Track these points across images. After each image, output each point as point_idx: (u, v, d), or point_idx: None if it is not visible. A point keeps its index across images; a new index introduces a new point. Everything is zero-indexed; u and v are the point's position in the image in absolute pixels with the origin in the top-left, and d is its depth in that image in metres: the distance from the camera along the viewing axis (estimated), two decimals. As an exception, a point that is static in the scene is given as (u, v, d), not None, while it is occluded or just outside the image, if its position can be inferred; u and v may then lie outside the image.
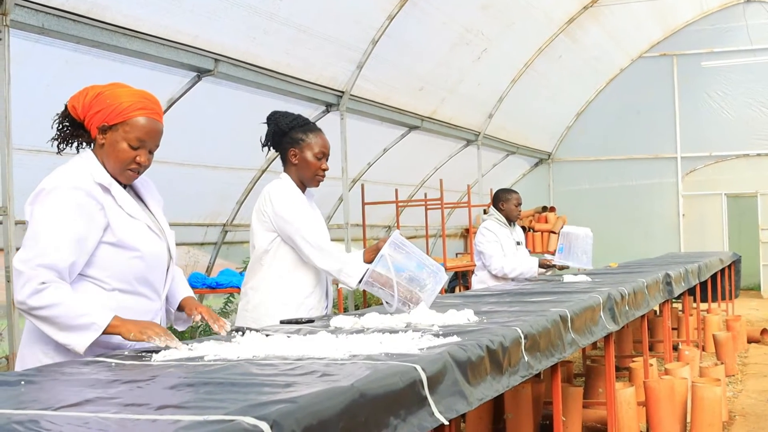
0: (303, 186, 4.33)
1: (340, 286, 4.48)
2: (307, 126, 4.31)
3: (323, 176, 4.33)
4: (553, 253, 7.22)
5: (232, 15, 8.09)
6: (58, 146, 3.14)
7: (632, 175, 18.66)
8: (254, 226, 4.27)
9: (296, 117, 4.33)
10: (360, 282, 3.98)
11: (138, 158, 3.05)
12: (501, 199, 7.42)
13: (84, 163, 3.05)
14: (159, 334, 2.82)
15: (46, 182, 3.00)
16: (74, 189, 2.95)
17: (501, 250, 7.22)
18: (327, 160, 4.32)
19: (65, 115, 3.11)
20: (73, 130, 3.11)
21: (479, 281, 7.36)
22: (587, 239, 6.70)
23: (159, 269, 3.16)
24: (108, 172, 3.07)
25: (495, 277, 7.24)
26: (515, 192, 7.51)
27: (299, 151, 4.25)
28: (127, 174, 3.08)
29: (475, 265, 7.66)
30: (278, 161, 4.47)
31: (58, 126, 3.12)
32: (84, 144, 3.15)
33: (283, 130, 4.26)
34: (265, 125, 4.34)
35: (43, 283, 2.84)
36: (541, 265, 7.23)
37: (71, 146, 3.15)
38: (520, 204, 7.47)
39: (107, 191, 3.03)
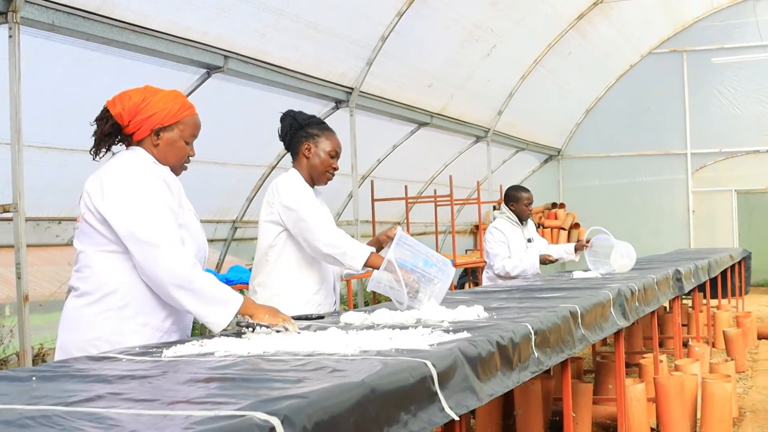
0: (312, 182, 4.33)
1: (345, 273, 4.44)
2: (323, 125, 4.38)
3: (333, 175, 4.36)
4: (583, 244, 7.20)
5: (242, 11, 8.10)
6: (97, 151, 3.26)
7: (642, 172, 18.61)
8: (261, 220, 4.28)
9: (313, 116, 4.41)
10: (364, 265, 4.04)
11: (190, 152, 3.34)
12: (511, 199, 7.37)
13: (139, 157, 3.22)
14: (287, 321, 3.06)
15: (119, 168, 3.15)
16: (152, 174, 3.16)
17: (507, 251, 7.22)
18: (338, 160, 4.36)
19: (108, 119, 3.23)
20: (114, 135, 3.25)
21: (489, 278, 7.35)
22: (622, 259, 6.76)
23: (202, 261, 3.32)
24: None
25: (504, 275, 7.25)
26: (526, 191, 7.43)
27: (313, 145, 4.28)
28: (183, 168, 3.36)
29: (485, 262, 7.65)
30: (288, 158, 4.48)
31: (103, 130, 3.23)
32: (119, 145, 3.30)
33: (300, 123, 4.30)
34: (279, 121, 4.36)
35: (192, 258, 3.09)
36: (542, 261, 7.24)
37: (106, 150, 3.28)
38: (530, 203, 7.43)
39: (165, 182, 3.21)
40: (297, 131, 4.31)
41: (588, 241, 7.01)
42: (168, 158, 3.27)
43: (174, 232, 3.09)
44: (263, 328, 3.08)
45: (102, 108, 3.26)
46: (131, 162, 3.17)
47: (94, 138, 3.24)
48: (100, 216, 3.08)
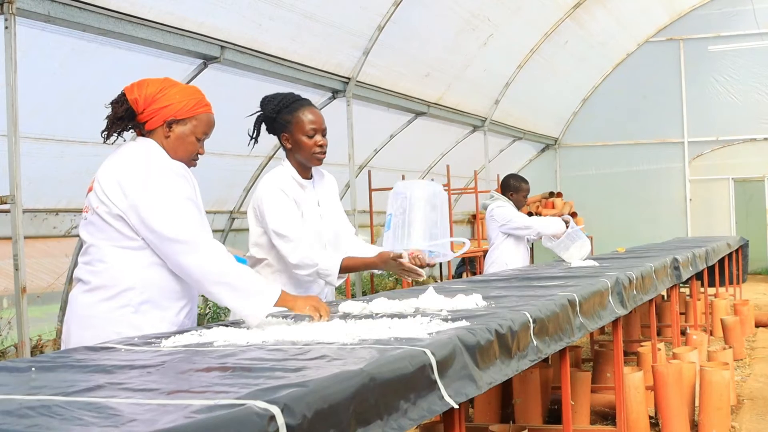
0: (306, 170, 4.15)
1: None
2: (292, 105, 4.05)
3: (322, 153, 4.06)
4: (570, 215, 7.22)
5: (238, 1, 8.09)
6: (108, 134, 3.24)
7: (639, 160, 18.64)
8: (249, 220, 4.22)
9: (282, 98, 4.06)
10: (340, 272, 3.96)
11: (200, 149, 3.33)
12: (511, 189, 7.37)
13: (153, 150, 3.20)
14: (327, 314, 3.06)
15: (135, 163, 3.13)
16: (169, 169, 3.15)
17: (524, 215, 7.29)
18: (323, 135, 4.05)
19: (123, 103, 3.23)
20: (127, 120, 3.24)
21: (496, 259, 7.31)
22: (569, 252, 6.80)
23: None
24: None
25: (514, 249, 7.26)
26: (526, 182, 7.44)
27: (290, 134, 4.03)
28: (192, 164, 3.32)
29: (483, 251, 7.64)
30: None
31: (117, 113, 3.22)
32: (128, 132, 3.30)
33: (270, 116, 4.06)
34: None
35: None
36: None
37: (117, 136, 3.27)
38: (528, 194, 7.48)
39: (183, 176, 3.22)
40: (272, 125, 4.08)
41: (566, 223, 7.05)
42: (177, 152, 3.24)
43: (201, 226, 3.10)
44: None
45: (119, 93, 3.25)
46: (147, 156, 3.14)
47: (106, 120, 3.23)
48: (118, 213, 3.07)
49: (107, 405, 1.74)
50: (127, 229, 3.08)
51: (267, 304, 3.02)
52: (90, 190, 3.18)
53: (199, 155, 3.34)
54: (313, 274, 3.98)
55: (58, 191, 8.13)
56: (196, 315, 3.36)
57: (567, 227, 6.91)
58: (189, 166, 3.31)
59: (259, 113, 4.12)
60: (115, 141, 3.25)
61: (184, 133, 3.25)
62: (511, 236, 7.32)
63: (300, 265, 3.96)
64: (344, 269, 3.98)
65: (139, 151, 3.17)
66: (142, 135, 3.25)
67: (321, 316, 3.03)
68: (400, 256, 3.86)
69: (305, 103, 4.10)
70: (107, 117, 3.23)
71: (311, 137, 4.03)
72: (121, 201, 3.06)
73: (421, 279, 3.95)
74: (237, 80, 8.97)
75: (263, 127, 4.13)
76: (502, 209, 7.28)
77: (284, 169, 4.13)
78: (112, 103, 3.24)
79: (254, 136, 4.11)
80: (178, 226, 3.03)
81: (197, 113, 3.27)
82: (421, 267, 3.94)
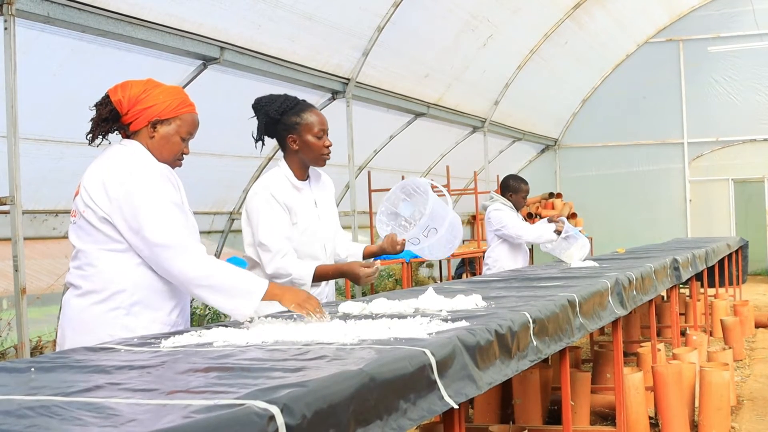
0: (304, 171, 4.14)
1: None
2: (298, 107, 4.06)
3: (328, 154, 4.09)
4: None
5: (237, 2, 8.08)
6: (93, 137, 3.26)
7: (639, 161, 18.63)
8: (242, 219, 4.20)
9: (284, 100, 4.05)
10: (314, 281, 3.98)
11: (184, 149, 3.34)
12: (510, 189, 7.37)
13: (138, 152, 3.21)
14: (316, 309, 3.06)
15: (120, 166, 3.14)
16: (154, 171, 3.16)
17: (521, 220, 7.28)
18: (327, 135, 4.07)
19: (107, 105, 3.24)
20: (111, 122, 3.25)
21: (494, 261, 7.31)
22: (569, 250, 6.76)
23: None
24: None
25: (511, 252, 7.25)
26: (525, 183, 7.43)
27: (298, 135, 4.02)
28: (177, 164, 3.34)
29: (483, 252, 7.65)
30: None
31: (101, 114, 3.24)
32: (115, 134, 3.31)
33: (274, 117, 4.02)
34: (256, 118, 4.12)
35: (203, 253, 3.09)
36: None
37: (102, 136, 3.27)
38: (527, 196, 7.48)
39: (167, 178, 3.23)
40: (275, 126, 4.05)
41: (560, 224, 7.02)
42: (162, 152, 3.25)
43: (185, 229, 3.09)
44: (261, 318, 3.10)
45: (103, 95, 3.26)
46: (131, 159, 3.15)
47: (91, 123, 3.24)
48: (104, 216, 3.08)
49: (106, 405, 1.74)
50: (113, 232, 3.10)
51: (253, 302, 3.04)
52: (77, 194, 3.19)
53: (184, 155, 3.35)
54: (288, 282, 3.96)
55: (58, 192, 8.13)
56: (188, 313, 3.36)
57: (562, 229, 6.92)
58: (174, 166, 3.32)
59: (262, 115, 4.07)
60: (100, 143, 3.26)
61: (169, 133, 3.26)
62: None
63: (275, 275, 3.95)
64: (318, 277, 4.00)
65: (123, 154, 3.18)
66: (127, 137, 3.26)
67: (309, 313, 3.03)
68: (370, 266, 3.88)
69: (309, 105, 4.12)
70: (92, 119, 3.24)
71: (320, 138, 4.04)
72: (105, 204, 3.08)
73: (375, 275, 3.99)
74: (236, 81, 8.97)
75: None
76: (498, 213, 7.28)
77: (280, 170, 4.12)
78: (96, 105, 3.26)
79: (259, 138, 4.09)
80: (162, 230, 3.04)
81: (181, 113, 3.28)
82: (396, 251, 4.07)
